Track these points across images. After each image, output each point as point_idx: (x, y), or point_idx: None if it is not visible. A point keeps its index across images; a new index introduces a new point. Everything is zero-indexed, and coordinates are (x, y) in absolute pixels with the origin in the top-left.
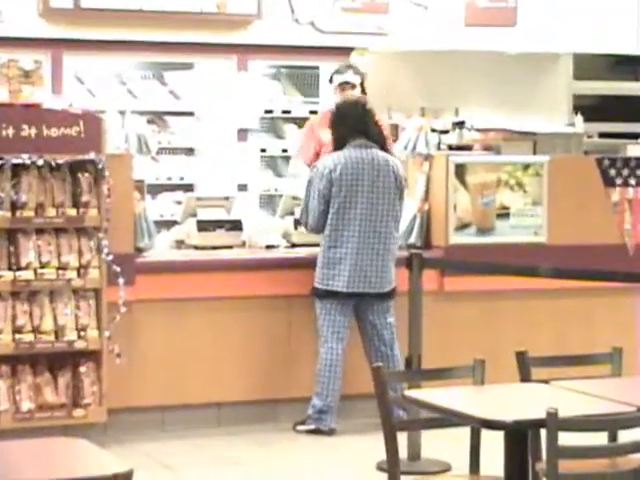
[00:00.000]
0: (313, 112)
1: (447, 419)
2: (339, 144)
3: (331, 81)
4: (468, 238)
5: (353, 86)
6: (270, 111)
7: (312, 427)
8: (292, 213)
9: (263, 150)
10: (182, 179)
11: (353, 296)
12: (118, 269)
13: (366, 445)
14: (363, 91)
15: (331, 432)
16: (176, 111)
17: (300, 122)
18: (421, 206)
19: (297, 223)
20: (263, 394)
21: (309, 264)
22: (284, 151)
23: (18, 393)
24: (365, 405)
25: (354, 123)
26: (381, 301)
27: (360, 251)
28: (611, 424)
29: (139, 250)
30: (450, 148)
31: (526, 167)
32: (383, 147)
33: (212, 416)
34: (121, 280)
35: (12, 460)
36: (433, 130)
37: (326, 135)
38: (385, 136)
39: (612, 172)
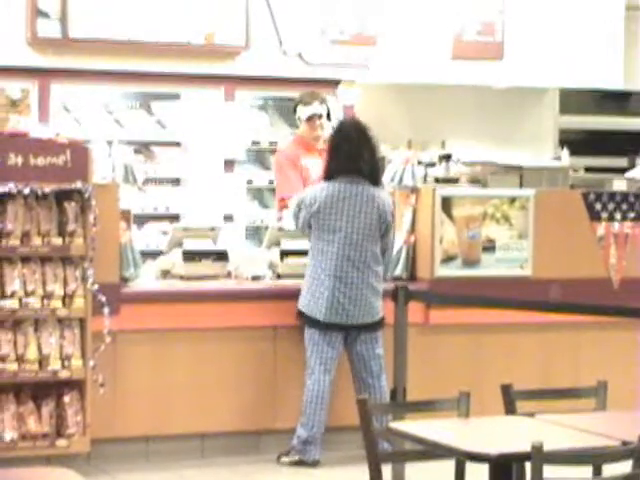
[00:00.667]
0: None
1: (432, 451)
2: (328, 175)
3: (295, 112)
4: (454, 271)
5: (320, 116)
6: (257, 142)
7: (296, 458)
8: (278, 244)
9: (250, 181)
10: (168, 209)
11: (336, 327)
12: (103, 298)
13: (350, 477)
14: (329, 119)
15: (315, 464)
16: (163, 141)
17: None
18: (407, 238)
19: (283, 254)
20: (247, 425)
21: (295, 295)
22: (270, 182)
23: (1, 422)
24: (350, 437)
25: (347, 156)
26: (369, 332)
27: (337, 284)
28: (596, 458)
29: (124, 280)
30: (437, 181)
31: (512, 200)
32: (377, 179)
33: (196, 447)
34: (106, 310)
35: None
36: (420, 163)
37: (309, 161)
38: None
39: (598, 206)
